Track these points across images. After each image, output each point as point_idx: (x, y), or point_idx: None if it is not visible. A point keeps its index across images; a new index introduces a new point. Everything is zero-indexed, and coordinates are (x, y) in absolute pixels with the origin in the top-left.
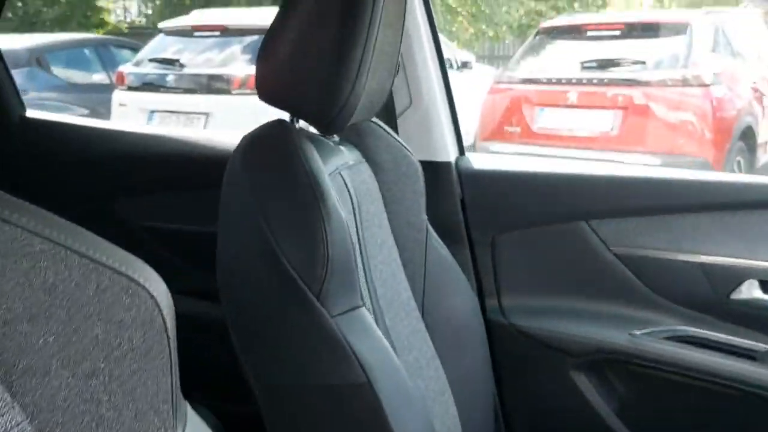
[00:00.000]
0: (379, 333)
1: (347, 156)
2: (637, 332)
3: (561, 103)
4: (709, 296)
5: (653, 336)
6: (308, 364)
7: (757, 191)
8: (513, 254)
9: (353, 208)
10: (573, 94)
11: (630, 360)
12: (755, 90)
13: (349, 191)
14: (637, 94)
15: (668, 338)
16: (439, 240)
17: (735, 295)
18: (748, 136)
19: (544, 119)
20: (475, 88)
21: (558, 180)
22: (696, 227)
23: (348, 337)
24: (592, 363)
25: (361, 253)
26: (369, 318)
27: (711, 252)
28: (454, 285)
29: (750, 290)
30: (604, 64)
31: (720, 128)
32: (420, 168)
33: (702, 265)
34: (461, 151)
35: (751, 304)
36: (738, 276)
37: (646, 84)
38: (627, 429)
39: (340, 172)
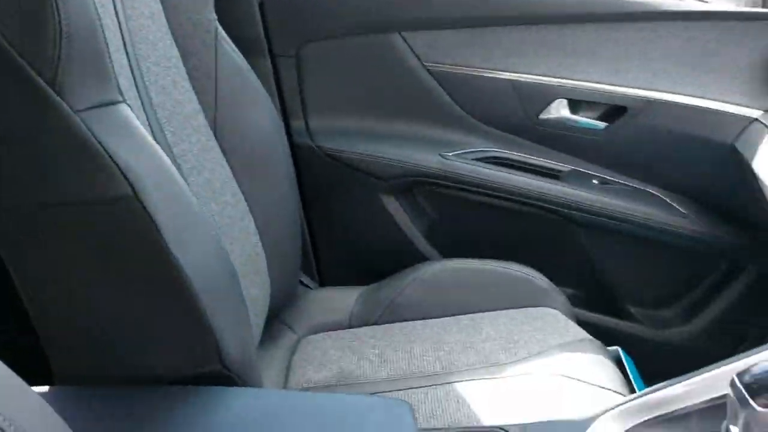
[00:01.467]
0: (146, 134)
1: None
2: (448, 153)
3: None
4: (519, 116)
5: (463, 157)
6: (50, 176)
7: (573, 4)
8: (320, 69)
9: None
10: None
11: (439, 182)
12: None
13: None
14: None
15: (478, 159)
16: (234, 47)
17: (544, 115)
18: None
19: None
20: None
21: None
22: (510, 42)
23: (102, 139)
24: (402, 185)
25: (126, 49)
26: (130, 115)
27: (523, 69)
28: (252, 101)
29: (558, 110)
30: None
31: None
32: None
33: (513, 82)
34: None
35: (558, 124)
36: (548, 95)
37: None
38: (434, 250)
39: None
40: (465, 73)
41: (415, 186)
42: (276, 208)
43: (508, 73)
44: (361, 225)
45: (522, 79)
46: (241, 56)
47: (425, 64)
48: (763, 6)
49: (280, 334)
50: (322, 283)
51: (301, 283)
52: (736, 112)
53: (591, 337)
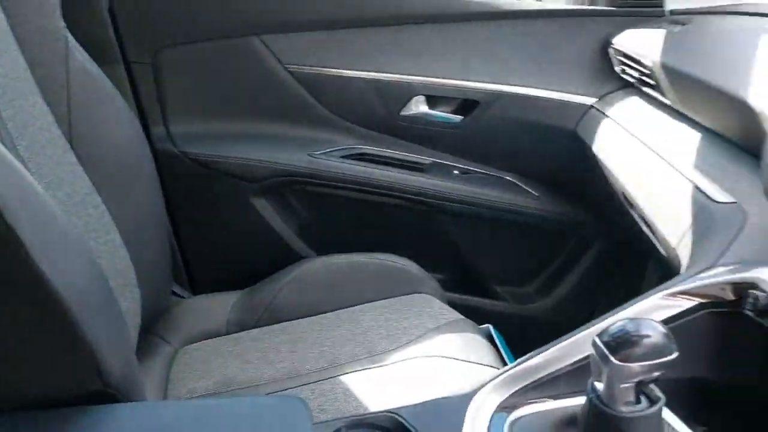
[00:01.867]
0: (3, 149)
1: None
2: (316, 152)
3: None
4: (381, 113)
5: (331, 155)
6: None
7: (424, 6)
8: (179, 74)
9: None
10: None
11: (310, 180)
12: None
13: None
14: None
15: (345, 156)
16: (87, 55)
17: (404, 111)
18: None
19: None
20: None
21: None
22: (368, 43)
23: None
24: (271, 186)
25: None
26: None
27: (382, 69)
28: (109, 110)
29: (417, 106)
30: None
31: None
32: None
33: (374, 81)
34: None
35: (418, 120)
36: (407, 92)
37: None
38: (309, 248)
39: None
40: (326, 74)
41: (286, 186)
42: (142, 218)
43: (368, 73)
44: (232, 229)
45: (382, 78)
46: (94, 64)
47: (286, 66)
48: (591, 4)
49: (155, 347)
50: (196, 292)
51: (174, 293)
52: (575, 101)
53: (464, 317)
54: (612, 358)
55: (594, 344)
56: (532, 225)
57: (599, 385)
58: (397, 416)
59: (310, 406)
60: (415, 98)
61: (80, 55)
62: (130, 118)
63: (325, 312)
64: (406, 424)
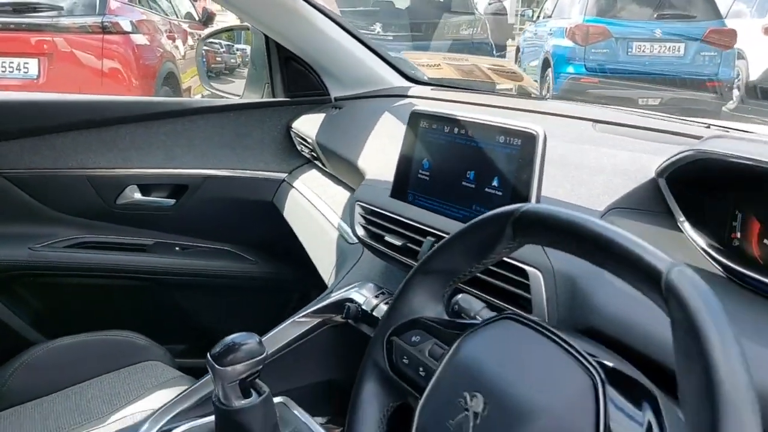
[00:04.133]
0: None
1: None
2: (37, 246)
3: None
4: (98, 204)
5: (53, 247)
6: None
7: (125, 108)
8: None
9: None
10: None
11: (35, 272)
12: (171, 39)
13: None
14: (60, 41)
15: (68, 246)
16: None
17: (120, 200)
18: (171, 81)
19: None
20: None
21: None
22: (77, 143)
23: None
24: None
25: None
26: None
27: (94, 165)
28: None
29: (132, 194)
30: (20, 9)
31: (145, 74)
32: None
33: (88, 177)
34: None
35: (134, 206)
36: (119, 183)
37: (67, 30)
38: (42, 336)
39: None
40: (41, 174)
41: (12, 280)
42: None
43: (80, 170)
44: None
45: (94, 173)
46: None
47: (1, 171)
48: (273, 97)
49: None
50: None
51: None
52: (269, 177)
53: (183, 374)
54: (216, 365)
55: (206, 358)
56: (256, 287)
57: (218, 390)
58: None
59: None
60: (129, 187)
61: None
62: None
63: (55, 392)
64: None
